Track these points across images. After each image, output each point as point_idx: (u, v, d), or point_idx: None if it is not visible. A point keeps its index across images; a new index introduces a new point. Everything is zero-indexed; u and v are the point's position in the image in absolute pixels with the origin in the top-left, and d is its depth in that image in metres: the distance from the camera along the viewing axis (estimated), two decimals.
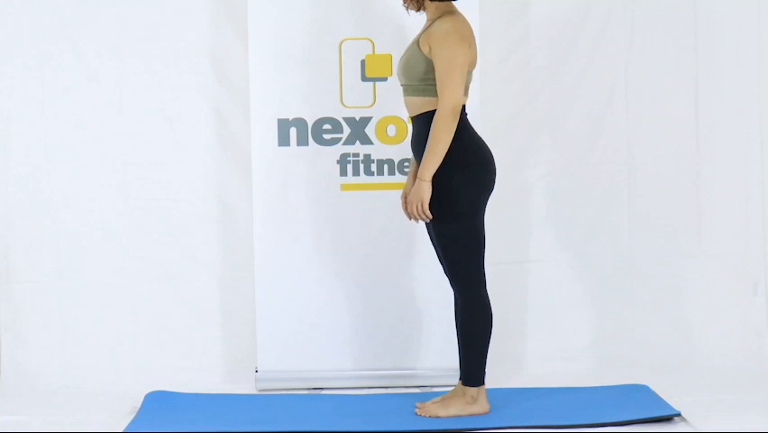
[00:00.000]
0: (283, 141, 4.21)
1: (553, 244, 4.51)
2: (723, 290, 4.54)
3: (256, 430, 3.63)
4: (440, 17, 3.67)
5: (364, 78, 4.19)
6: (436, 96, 3.64)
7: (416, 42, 3.68)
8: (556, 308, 4.52)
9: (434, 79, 3.63)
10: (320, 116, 4.20)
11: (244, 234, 4.38)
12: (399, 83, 3.76)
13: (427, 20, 3.73)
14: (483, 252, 3.70)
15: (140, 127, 4.44)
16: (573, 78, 4.48)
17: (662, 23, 4.49)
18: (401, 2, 3.79)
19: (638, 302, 4.52)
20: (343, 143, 4.20)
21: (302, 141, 4.21)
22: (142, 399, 3.99)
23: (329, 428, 3.64)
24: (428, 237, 4.18)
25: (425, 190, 3.61)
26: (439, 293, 4.19)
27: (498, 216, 4.13)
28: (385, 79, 4.19)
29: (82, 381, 4.33)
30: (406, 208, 3.81)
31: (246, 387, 4.27)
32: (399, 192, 4.23)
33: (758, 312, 4.54)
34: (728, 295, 4.54)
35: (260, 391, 4.22)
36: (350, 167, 4.21)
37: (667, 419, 3.68)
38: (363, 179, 4.20)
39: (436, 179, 3.62)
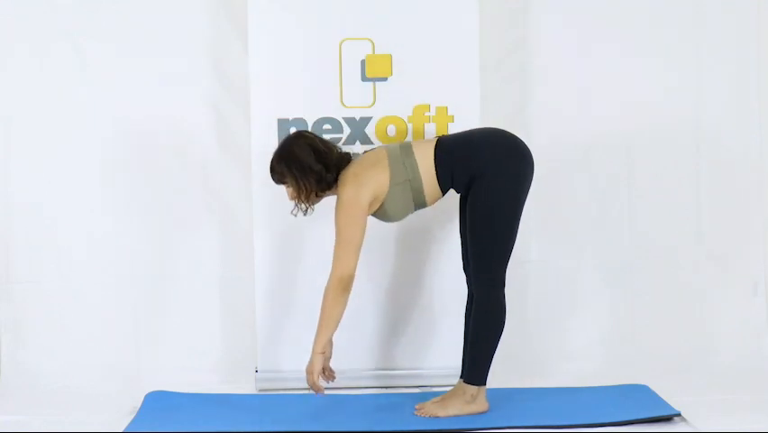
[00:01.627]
0: None
1: (553, 244, 4.52)
2: (723, 290, 4.54)
3: (256, 430, 3.63)
4: (337, 188, 3.71)
5: (364, 78, 4.19)
6: (420, 181, 3.68)
7: None
8: (556, 308, 4.52)
9: (401, 182, 3.67)
10: (320, 116, 4.20)
11: (244, 235, 4.38)
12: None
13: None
14: (510, 255, 3.71)
15: (140, 127, 4.44)
16: (573, 77, 4.48)
17: (663, 23, 4.49)
18: (291, 211, 3.80)
19: (638, 302, 4.52)
20: (344, 143, 4.20)
21: None
22: (142, 399, 3.99)
23: (329, 428, 3.64)
24: (431, 237, 4.20)
25: (317, 363, 3.66)
26: (439, 293, 4.20)
27: None
28: (385, 79, 4.19)
29: (82, 381, 4.33)
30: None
31: (246, 387, 4.27)
32: None
33: (758, 312, 4.54)
34: (728, 295, 4.54)
35: (259, 391, 4.22)
36: None
37: (667, 419, 3.68)
38: None
39: (476, 183, 3.62)
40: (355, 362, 4.24)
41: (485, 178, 3.64)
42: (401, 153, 3.72)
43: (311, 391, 4.02)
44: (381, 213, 3.74)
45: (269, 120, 4.20)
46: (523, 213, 3.67)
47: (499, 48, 4.46)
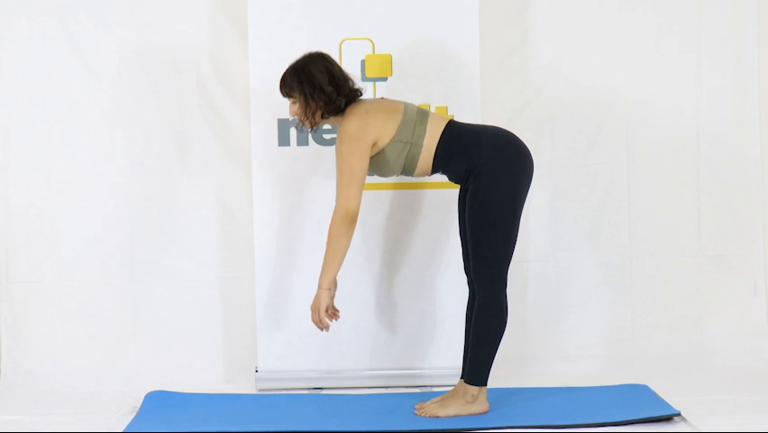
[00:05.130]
0: (283, 141, 4.21)
1: (553, 243, 4.52)
2: (723, 290, 4.54)
3: (256, 430, 3.62)
4: (340, 122, 3.72)
5: (364, 78, 4.19)
6: (419, 150, 3.68)
7: None
8: (556, 308, 4.52)
9: (404, 142, 3.67)
10: None
11: (244, 234, 4.38)
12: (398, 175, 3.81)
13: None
14: (512, 253, 3.71)
15: (140, 127, 4.44)
16: (573, 77, 4.48)
17: (663, 22, 4.49)
18: (295, 125, 3.81)
19: (638, 302, 4.52)
20: None
21: (302, 141, 4.21)
22: (142, 399, 3.99)
23: (329, 428, 3.64)
24: (431, 237, 4.20)
25: (323, 298, 3.67)
26: (441, 293, 4.20)
27: None
28: (385, 79, 4.19)
29: (82, 381, 4.33)
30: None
31: (246, 387, 4.27)
32: (399, 192, 4.24)
33: (758, 312, 4.54)
34: (728, 295, 4.54)
35: (260, 391, 4.22)
36: None
37: (667, 418, 3.68)
38: (368, 178, 4.19)
39: (474, 181, 3.63)
40: (355, 362, 4.25)
41: (483, 175, 3.64)
42: (417, 116, 3.72)
43: (311, 392, 4.04)
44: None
45: (269, 120, 4.20)
46: (523, 213, 3.67)
47: (499, 48, 4.46)
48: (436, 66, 4.18)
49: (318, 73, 3.69)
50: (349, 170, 3.62)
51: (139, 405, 3.94)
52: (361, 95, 3.77)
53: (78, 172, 4.44)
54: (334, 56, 4.16)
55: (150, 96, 4.44)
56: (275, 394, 4.15)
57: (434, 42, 4.17)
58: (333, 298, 3.71)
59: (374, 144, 3.67)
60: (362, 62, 4.19)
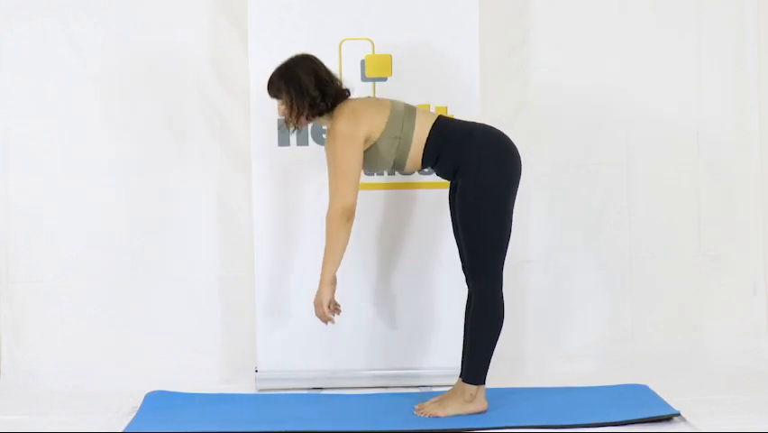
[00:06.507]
0: (283, 141, 4.21)
1: (553, 244, 4.52)
2: (723, 290, 4.54)
3: (256, 430, 3.62)
4: (329, 122, 3.74)
5: (364, 78, 4.19)
6: (409, 145, 3.70)
7: None
8: (556, 308, 4.52)
9: (393, 137, 3.69)
10: None
11: (244, 234, 4.38)
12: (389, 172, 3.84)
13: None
14: (505, 252, 3.71)
15: (140, 127, 4.44)
16: (573, 78, 4.48)
17: (663, 22, 4.49)
18: (280, 127, 3.86)
19: (638, 302, 4.52)
20: None
21: (302, 141, 4.21)
22: (142, 399, 3.99)
23: (329, 428, 3.64)
24: (429, 238, 4.20)
25: (325, 293, 3.71)
26: (440, 293, 4.19)
27: None
28: (385, 79, 4.19)
29: (82, 381, 4.33)
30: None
31: (246, 387, 4.27)
32: (399, 192, 4.24)
33: (758, 312, 4.54)
34: (728, 295, 4.54)
35: (259, 391, 4.22)
36: None
37: (667, 418, 3.68)
38: (363, 178, 4.18)
39: (463, 179, 3.64)
40: (355, 362, 4.25)
41: (470, 173, 3.65)
42: (404, 112, 3.74)
43: (311, 392, 4.04)
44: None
45: (269, 120, 4.20)
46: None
47: (499, 48, 4.46)
48: (436, 66, 4.18)
49: (305, 76, 3.72)
50: (343, 169, 3.65)
51: (139, 405, 3.94)
52: (349, 95, 3.79)
53: (78, 172, 4.44)
54: (334, 56, 4.18)
55: (151, 95, 4.44)
56: (275, 394, 4.15)
57: (434, 42, 4.18)
58: (334, 292, 3.74)
59: (366, 140, 3.69)
60: (362, 62, 4.19)
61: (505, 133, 3.77)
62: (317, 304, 3.74)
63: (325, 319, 3.74)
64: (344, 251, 3.70)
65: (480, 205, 3.64)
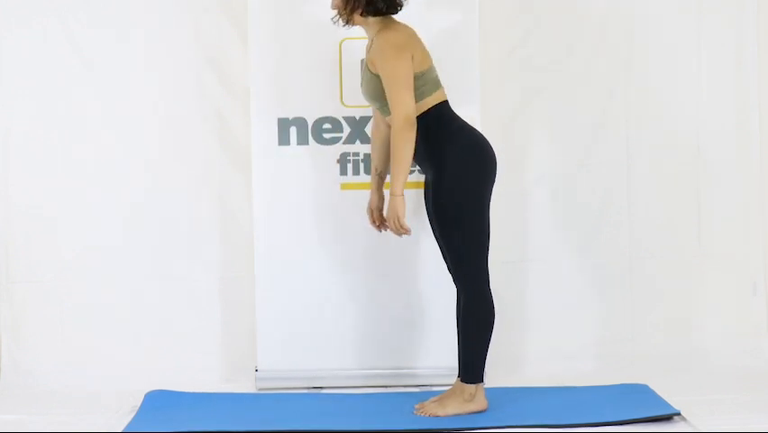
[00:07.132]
0: (283, 140, 4.21)
1: (553, 244, 4.51)
2: (723, 290, 4.54)
3: (256, 430, 3.62)
4: (376, 34, 3.71)
5: None
6: (419, 100, 3.68)
7: (366, 64, 3.74)
8: (556, 308, 4.52)
9: (419, 85, 3.68)
10: (320, 116, 4.21)
11: (244, 234, 4.38)
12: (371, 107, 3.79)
13: (368, 39, 3.78)
14: (487, 248, 3.71)
15: (140, 127, 4.44)
16: (573, 77, 4.49)
17: (663, 23, 4.49)
18: (332, 18, 3.82)
19: (638, 302, 4.52)
20: (344, 143, 4.20)
21: (302, 140, 4.21)
22: (142, 398, 3.99)
23: (329, 428, 3.64)
24: (427, 236, 4.18)
25: (400, 205, 3.66)
26: (439, 292, 4.19)
27: (498, 215, 4.12)
28: None
29: (82, 381, 4.33)
30: (374, 222, 3.88)
31: (246, 386, 4.27)
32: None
33: (758, 312, 4.54)
34: (728, 295, 4.54)
35: (259, 390, 4.22)
36: (350, 166, 4.21)
37: (667, 418, 3.68)
38: (363, 178, 4.20)
39: (437, 173, 3.64)
40: (355, 361, 4.24)
41: (446, 171, 3.65)
42: (437, 77, 3.77)
43: (311, 391, 4.03)
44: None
45: (269, 120, 4.20)
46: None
47: (499, 48, 4.46)
48: (436, 66, 4.17)
49: None
50: (402, 77, 3.63)
51: (139, 405, 3.94)
52: (401, 8, 3.76)
53: (78, 172, 4.44)
54: (334, 56, 4.17)
55: (150, 95, 4.44)
56: (275, 393, 4.15)
57: (434, 42, 4.16)
58: (405, 204, 3.70)
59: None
60: (362, 62, 4.18)
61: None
62: (391, 217, 3.67)
63: (403, 231, 3.68)
64: (411, 160, 3.64)
65: (456, 205, 3.64)
